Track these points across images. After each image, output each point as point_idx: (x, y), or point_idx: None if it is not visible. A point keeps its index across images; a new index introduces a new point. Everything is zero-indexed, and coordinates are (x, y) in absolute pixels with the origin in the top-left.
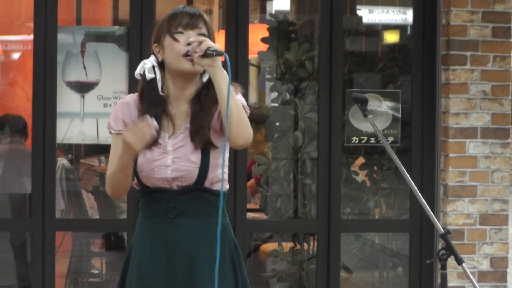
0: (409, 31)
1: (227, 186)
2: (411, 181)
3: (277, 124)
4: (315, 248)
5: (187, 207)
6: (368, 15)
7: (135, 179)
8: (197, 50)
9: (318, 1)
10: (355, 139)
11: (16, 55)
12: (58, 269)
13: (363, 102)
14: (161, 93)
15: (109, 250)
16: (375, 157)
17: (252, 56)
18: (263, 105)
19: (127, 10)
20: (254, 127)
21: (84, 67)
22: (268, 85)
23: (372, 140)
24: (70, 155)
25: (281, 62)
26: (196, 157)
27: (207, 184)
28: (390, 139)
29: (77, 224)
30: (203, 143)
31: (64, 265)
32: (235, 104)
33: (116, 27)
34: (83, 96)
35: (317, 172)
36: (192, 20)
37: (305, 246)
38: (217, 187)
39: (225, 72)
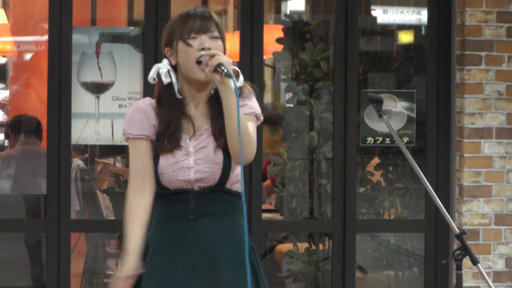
0: (423, 31)
1: (239, 186)
2: (426, 181)
3: (293, 124)
4: (331, 249)
5: (208, 207)
6: (383, 15)
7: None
8: (208, 63)
9: (333, 1)
10: (370, 139)
11: (31, 56)
12: (73, 269)
13: (378, 103)
14: (178, 96)
15: None
16: (390, 157)
17: (267, 56)
18: (279, 105)
19: (142, 11)
20: (271, 128)
21: (99, 68)
22: (283, 85)
23: (387, 140)
24: (85, 156)
25: (296, 63)
26: (219, 158)
27: (228, 184)
28: (405, 139)
29: (92, 224)
30: (226, 143)
31: (79, 265)
32: (241, 123)
33: (131, 27)
34: (98, 97)
35: (332, 172)
36: (204, 24)
37: (321, 246)
38: (236, 187)
39: (233, 91)
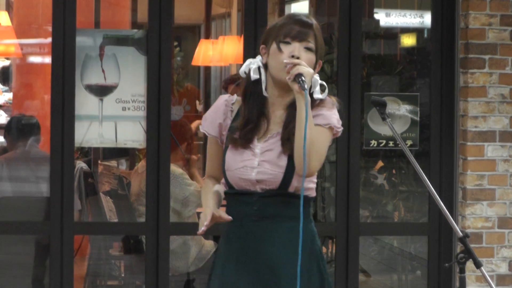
0: (427, 34)
1: (314, 194)
2: (430, 184)
3: None
4: (334, 251)
5: (271, 210)
6: (386, 18)
7: (223, 177)
8: (290, 72)
9: (337, 4)
10: (373, 142)
11: (34, 58)
12: (77, 272)
13: (381, 106)
14: (265, 94)
15: (127, 254)
16: (393, 161)
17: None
18: None
19: (146, 13)
20: None
21: (103, 70)
22: None
23: (391, 143)
24: (89, 158)
25: None
26: (283, 162)
27: (291, 190)
28: (409, 142)
29: (95, 227)
30: (292, 150)
31: (83, 268)
32: (309, 136)
33: (135, 30)
34: (101, 99)
35: (336, 175)
36: (302, 32)
37: (324, 249)
38: (305, 192)
39: (309, 103)
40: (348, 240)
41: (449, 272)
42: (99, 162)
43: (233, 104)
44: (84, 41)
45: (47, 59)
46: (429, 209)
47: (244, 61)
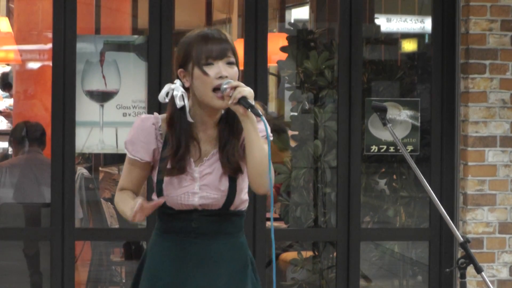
0: (427, 40)
1: (246, 204)
2: (430, 189)
3: (297, 133)
4: (335, 257)
5: (210, 227)
6: (387, 23)
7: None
8: (230, 95)
9: (337, 9)
10: (374, 147)
11: (35, 64)
12: (78, 278)
13: (382, 111)
14: (190, 120)
15: (128, 259)
16: (394, 166)
17: (272, 65)
18: (283, 114)
19: (147, 19)
20: (276, 137)
21: (103, 76)
22: (288, 94)
23: (392, 148)
24: (89, 164)
25: (300, 71)
26: (224, 185)
27: (232, 208)
28: (409, 147)
29: (96, 233)
30: (233, 170)
31: (84, 274)
32: (260, 153)
33: (135, 36)
34: (102, 105)
35: (337, 181)
36: (221, 48)
37: (325, 254)
38: (241, 207)
39: (255, 123)
40: (349, 245)
41: (450, 278)
42: (100, 168)
43: (159, 126)
44: (85, 47)
45: (48, 65)
46: (430, 215)
47: (245, 66)
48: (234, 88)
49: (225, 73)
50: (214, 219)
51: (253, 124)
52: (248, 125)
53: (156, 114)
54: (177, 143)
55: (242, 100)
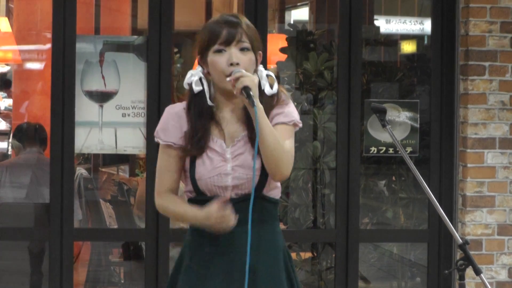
0: (427, 41)
1: (279, 192)
2: (429, 191)
3: (296, 134)
4: (334, 258)
5: (245, 215)
6: (386, 25)
7: (190, 186)
8: (235, 85)
9: (337, 11)
10: (373, 149)
11: (34, 64)
12: (76, 278)
13: (381, 112)
14: (210, 103)
15: (127, 260)
16: (393, 167)
17: (271, 66)
18: None
19: (146, 20)
20: None
21: (103, 77)
22: None
23: (391, 150)
24: (88, 165)
25: (299, 72)
26: (257, 164)
27: (265, 191)
28: (409, 149)
29: (95, 233)
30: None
31: (82, 274)
32: (272, 140)
33: (135, 36)
34: (101, 106)
35: (336, 182)
36: (233, 34)
37: (324, 256)
38: (273, 194)
39: (263, 112)
40: (347, 246)
41: (449, 279)
42: (99, 168)
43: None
44: (84, 48)
45: (47, 65)
46: (429, 216)
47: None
48: (237, 79)
49: (236, 60)
50: (249, 206)
51: (261, 113)
52: (253, 115)
53: (184, 102)
54: (195, 126)
55: (244, 90)
